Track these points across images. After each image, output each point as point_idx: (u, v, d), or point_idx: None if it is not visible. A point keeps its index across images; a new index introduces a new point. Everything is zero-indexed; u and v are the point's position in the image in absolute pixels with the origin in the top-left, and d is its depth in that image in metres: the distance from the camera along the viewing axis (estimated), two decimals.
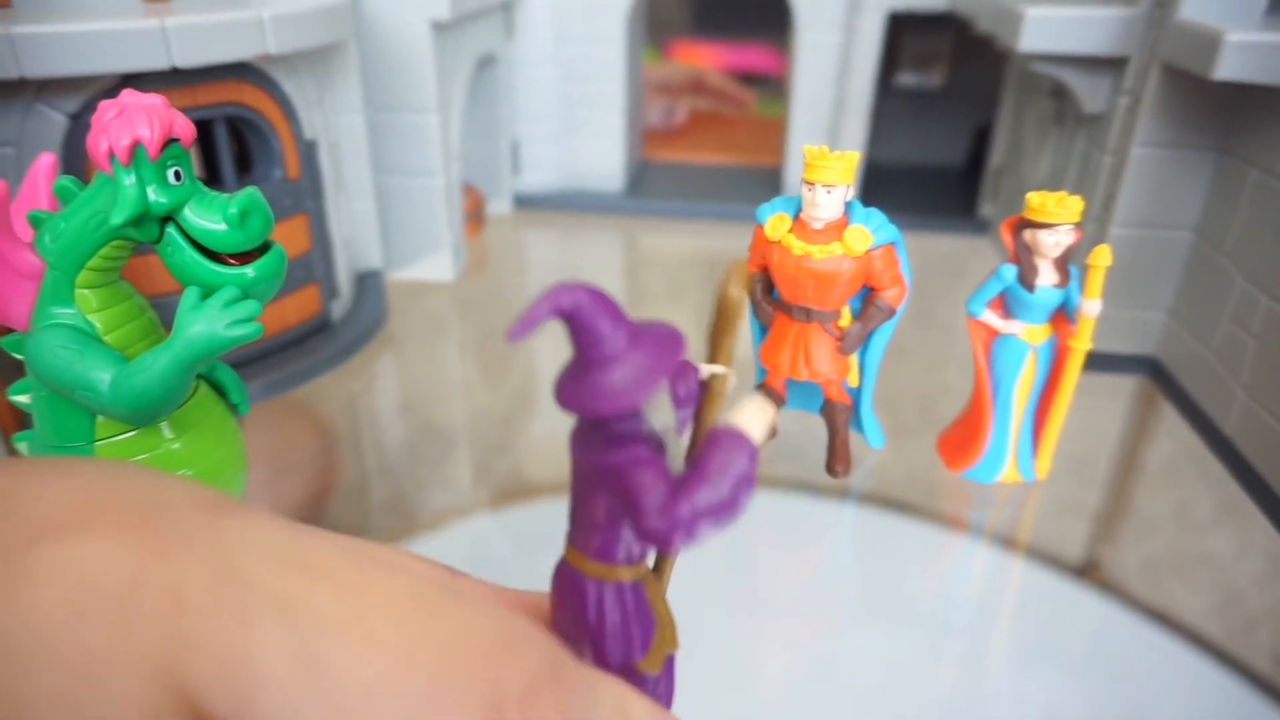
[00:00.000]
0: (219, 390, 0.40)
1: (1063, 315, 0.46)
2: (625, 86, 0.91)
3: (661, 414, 0.18)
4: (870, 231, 0.44)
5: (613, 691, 0.15)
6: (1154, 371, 0.60)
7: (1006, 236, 0.45)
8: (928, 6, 0.79)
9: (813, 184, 0.43)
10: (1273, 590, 0.43)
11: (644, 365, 0.16)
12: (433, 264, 0.74)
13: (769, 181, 0.99)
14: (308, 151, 0.58)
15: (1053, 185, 0.71)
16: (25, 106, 0.46)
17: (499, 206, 0.93)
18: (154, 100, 0.33)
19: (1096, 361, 0.61)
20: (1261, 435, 0.48)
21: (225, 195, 0.34)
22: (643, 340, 0.16)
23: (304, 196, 0.58)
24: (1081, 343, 0.45)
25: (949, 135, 1.05)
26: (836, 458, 0.50)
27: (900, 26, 0.98)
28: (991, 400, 0.48)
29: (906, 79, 1.01)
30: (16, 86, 0.45)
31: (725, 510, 0.15)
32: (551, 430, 0.55)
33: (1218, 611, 0.41)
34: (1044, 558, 0.45)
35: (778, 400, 0.51)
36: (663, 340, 0.16)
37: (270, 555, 0.12)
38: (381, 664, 0.12)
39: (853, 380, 0.49)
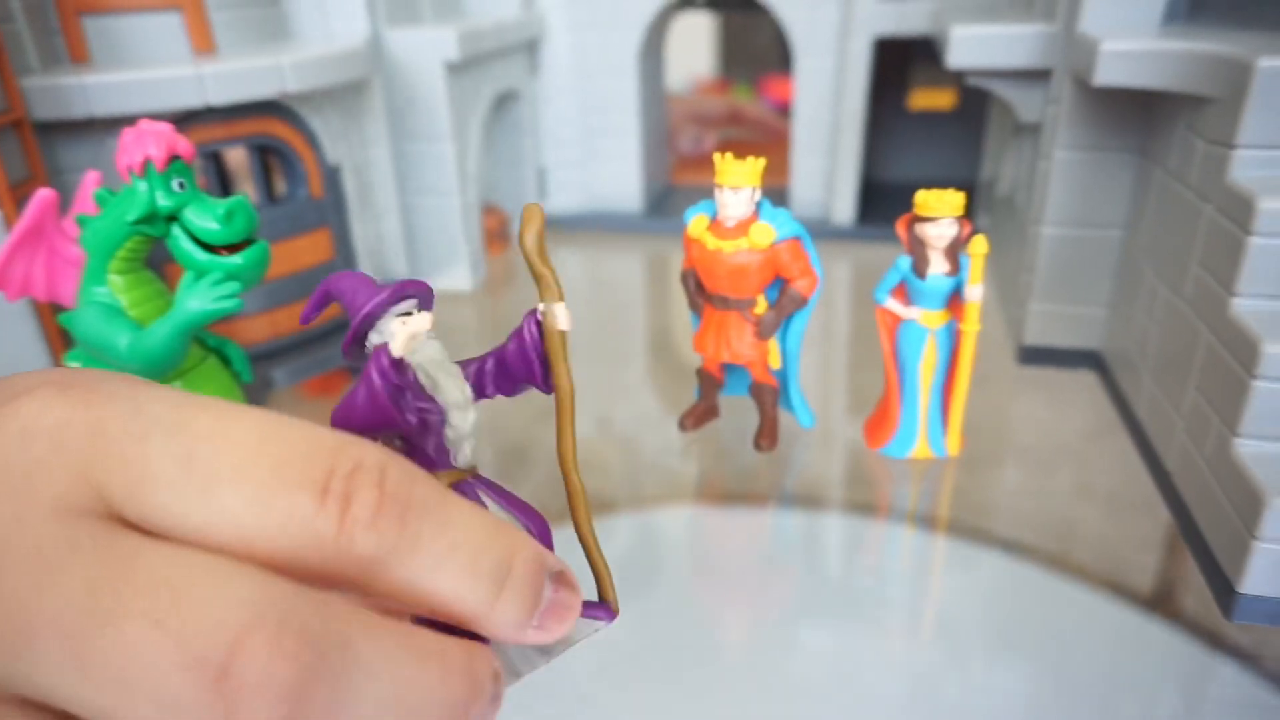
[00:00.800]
0: (226, 361, 0.50)
1: (958, 301, 0.50)
2: (641, 116, 0.99)
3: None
4: (774, 228, 0.50)
5: (437, 489, 0.17)
6: (1097, 365, 0.63)
7: (901, 231, 0.50)
8: (911, 31, 0.84)
9: (722, 186, 0.50)
10: (1152, 554, 0.46)
11: (361, 305, 0.20)
12: (452, 275, 0.83)
13: (778, 199, 1.05)
14: (331, 175, 0.68)
15: (1014, 193, 0.75)
16: (97, 140, 0.57)
17: None
18: (162, 127, 0.42)
19: (1046, 356, 0.65)
20: (1160, 417, 0.51)
21: (218, 200, 0.43)
22: (374, 290, 0.21)
23: (327, 212, 0.68)
24: (971, 325, 0.49)
25: (963, 153, 1.08)
26: (762, 434, 0.55)
27: (911, 52, 1.03)
28: (899, 381, 0.53)
29: None
30: (88, 125, 0.56)
31: (361, 409, 0.19)
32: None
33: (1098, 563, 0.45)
34: (986, 542, 0.49)
35: (715, 385, 0.57)
36: (383, 287, 0.21)
37: (170, 400, 0.16)
38: (240, 456, 0.15)
39: (774, 363, 0.54)
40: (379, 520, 0.15)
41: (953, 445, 0.53)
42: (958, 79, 1.05)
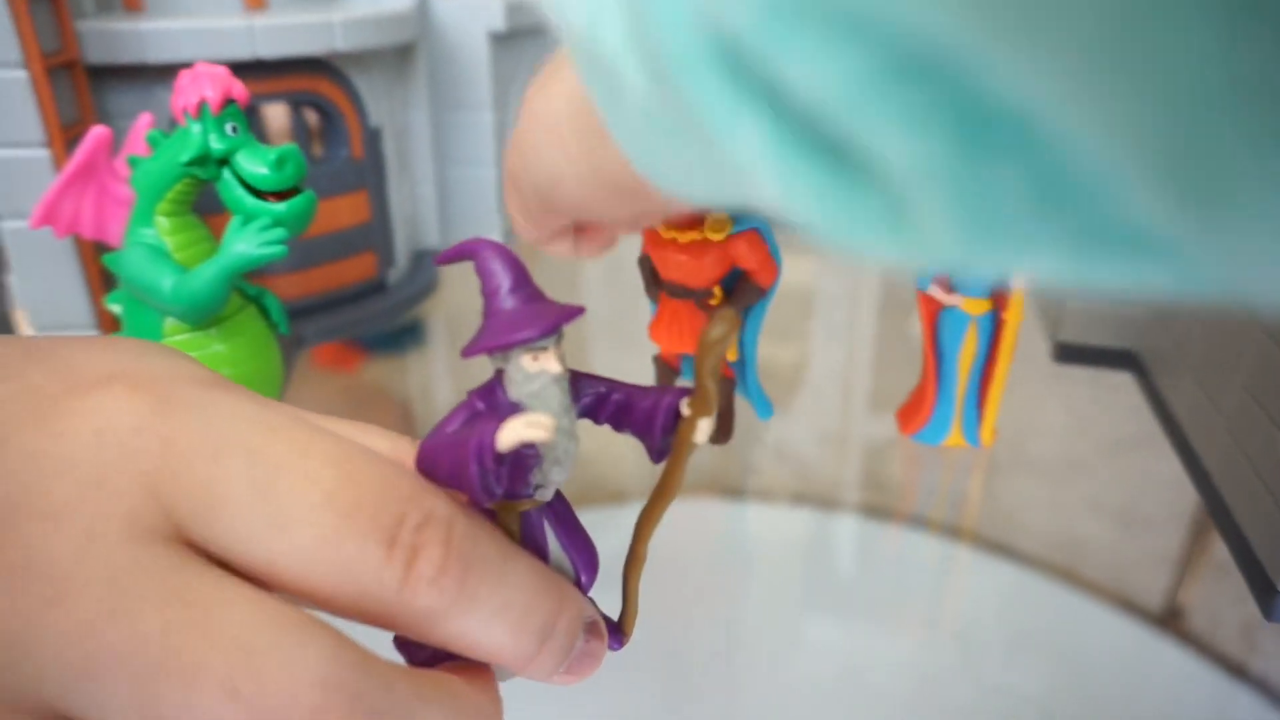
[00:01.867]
0: (264, 312, 0.50)
1: (1001, 289, 0.50)
2: None
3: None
4: (730, 219, 0.48)
5: (499, 547, 0.17)
6: (1134, 364, 0.62)
7: None
8: None
9: None
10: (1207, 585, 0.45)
11: (503, 324, 0.17)
12: None
13: None
14: (372, 137, 0.68)
15: None
16: (146, 87, 0.57)
17: None
18: (219, 70, 0.42)
19: (1083, 354, 0.64)
20: (1200, 416, 0.50)
21: (269, 147, 0.43)
22: (521, 305, 0.18)
23: (366, 175, 0.68)
24: (1013, 315, 0.49)
25: None
26: (718, 426, 0.53)
27: None
28: (936, 368, 0.52)
29: None
30: (138, 71, 0.56)
31: (448, 468, 0.17)
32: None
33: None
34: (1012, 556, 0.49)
35: (671, 373, 0.54)
36: (534, 312, 0.18)
37: (243, 418, 0.16)
38: (315, 494, 0.15)
39: (730, 355, 0.52)
40: (442, 578, 0.16)
41: (987, 435, 0.53)
42: None
